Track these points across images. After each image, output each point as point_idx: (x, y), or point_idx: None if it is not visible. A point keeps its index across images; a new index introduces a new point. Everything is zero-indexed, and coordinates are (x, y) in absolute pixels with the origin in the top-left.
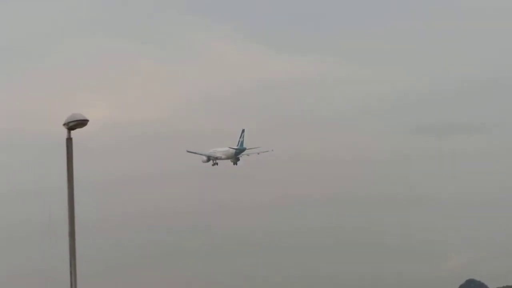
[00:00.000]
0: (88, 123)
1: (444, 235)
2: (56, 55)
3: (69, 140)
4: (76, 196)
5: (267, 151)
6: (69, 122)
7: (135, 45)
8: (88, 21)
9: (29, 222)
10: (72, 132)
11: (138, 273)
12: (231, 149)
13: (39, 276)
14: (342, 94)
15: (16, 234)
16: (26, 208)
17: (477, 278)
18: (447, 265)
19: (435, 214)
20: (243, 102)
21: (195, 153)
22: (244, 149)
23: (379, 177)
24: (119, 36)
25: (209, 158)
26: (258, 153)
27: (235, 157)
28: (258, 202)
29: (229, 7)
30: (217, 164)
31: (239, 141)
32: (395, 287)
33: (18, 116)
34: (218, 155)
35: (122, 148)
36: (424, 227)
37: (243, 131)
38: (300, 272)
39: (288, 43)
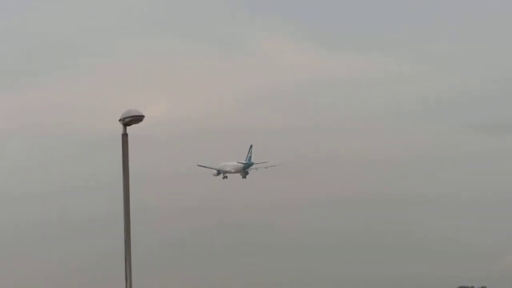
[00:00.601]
0: (144, 119)
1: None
2: (114, 51)
3: (124, 136)
4: (131, 191)
5: (274, 165)
6: (125, 118)
7: (192, 43)
8: (147, 19)
9: (85, 217)
10: (128, 127)
11: (193, 268)
12: (239, 163)
13: (95, 270)
14: (400, 92)
15: (71, 228)
16: (81, 203)
17: None
18: None
19: (507, 215)
20: (299, 101)
21: (205, 167)
22: (252, 164)
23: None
24: (177, 33)
25: (219, 172)
26: (266, 167)
27: (243, 171)
28: (316, 200)
29: (287, 5)
30: (226, 177)
31: (247, 156)
32: None
33: (75, 111)
34: (227, 169)
35: (177, 144)
36: (496, 229)
37: (251, 146)
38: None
39: (344, 41)
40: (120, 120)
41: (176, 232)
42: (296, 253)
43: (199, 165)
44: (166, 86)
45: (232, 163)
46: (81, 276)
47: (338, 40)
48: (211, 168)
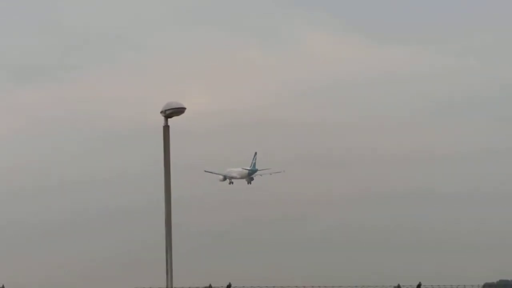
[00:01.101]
0: (185, 111)
1: None
2: (155, 44)
3: (166, 128)
4: (172, 182)
5: (279, 172)
6: (166, 110)
7: (234, 35)
8: (189, 11)
9: (127, 208)
10: (169, 119)
11: (231, 260)
12: (244, 170)
13: (136, 262)
14: (445, 86)
15: (113, 219)
16: (123, 193)
17: None
18: None
19: None
20: (341, 94)
21: (212, 172)
22: (256, 170)
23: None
24: (219, 26)
25: (225, 178)
26: (270, 174)
27: (248, 177)
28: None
29: None
30: (232, 183)
31: (252, 163)
32: None
33: (116, 103)
34: (233, 175)
35: (217, 136)
36: None
37: (255, 153)
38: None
39: (389, 34)
40: (161, 112)
41: (217, 223)
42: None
43: (205, 171)
44: (207, 79)
45: (237, 169)
46: (120, 267)
47: (382, 34)
48: (218, 174)
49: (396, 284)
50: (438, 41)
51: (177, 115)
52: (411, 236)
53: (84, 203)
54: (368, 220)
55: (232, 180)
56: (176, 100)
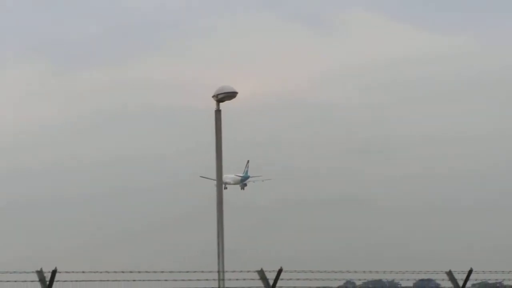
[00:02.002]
0: (237, 95)
1: None
2: (206, 29)
3: (218, 112)
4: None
5: (269, 179)
6: (218, 94)
7: (282, 19)
8: None
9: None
10: (221, 104)
11: (284, 244)
12: (237, 176)
13: (187, 247)
14: (492, 66)
15: (168, 207)
16: (177, 177)
17: None
18: None
19: None
20: (381, 77)
21: (207, 178)
22: (248, 177)
23: None
24: (267, 10)
25: None
26: (262, 181)
27: (241, 183)
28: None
29: None
30: (226, 188)
31: (244, 170)
32: None
33: (168, 89)
34: (227, 180)
35: (269, 119)
36: None
37: (248, 161)
38: None
39: (435, 18)
40: (213, 96)
41: (271, 206)
42: None
43: (201, 176)
44: (258, 63)
45: (231, 176)
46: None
47: (429, 17)
48: (213, 179)
49: (447, 270)
50: (482, 25)
51: (229, 99)
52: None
53: (144, 180)
54: (426, 205)
55: (226, 186)
56: (228, 84)
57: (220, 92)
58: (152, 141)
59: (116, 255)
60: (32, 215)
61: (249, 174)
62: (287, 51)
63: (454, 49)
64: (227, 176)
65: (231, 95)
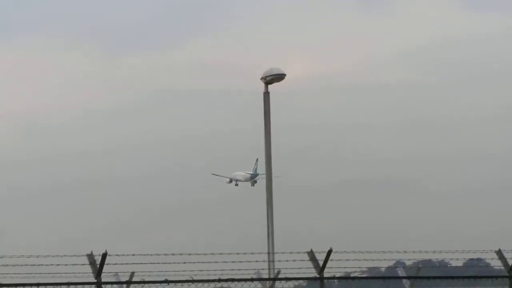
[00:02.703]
0: (286, 77)
1: None
2: (254, 10)
3: (266, 94)
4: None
5: (279, 176)
6: (266, 76)
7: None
8: None
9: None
10: (270, 86)
11: (333, 224)
12: (247, 174)
13: (237, 231)
14: None
15: (214, 187)
16: (226, 159)
17: None
18: None
19: None
20: (437, 58)
21: (218, 175)
22: (257, 174)
23: None
24: None
25: (231, 180)
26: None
27: (251, 180)
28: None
29: None
30: (237, 185)
31: (254, 168)
32: None
33: (216, 71)
34: (238, 178)
35: (317, 101)
36: None
37: (257, 160)
38: None
39: None
40: (261, 78)
41: (321, 185)
42: None
43: (213, 174)
44: (306, 44)
45: (241, 173)
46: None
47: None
48: (224, 177)
49: (497, 249)
50: None
51: (277, 81)
52: None
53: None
54: (477, 185)
55: (238, 182)
56: (277, 66)
57: (268, 74)
58: (201, 123)
59: (166, 236)
60: (81, 197)
61: (258, 171)
62: (339, 32)
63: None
64: (238, 174)
65: (279, 77)
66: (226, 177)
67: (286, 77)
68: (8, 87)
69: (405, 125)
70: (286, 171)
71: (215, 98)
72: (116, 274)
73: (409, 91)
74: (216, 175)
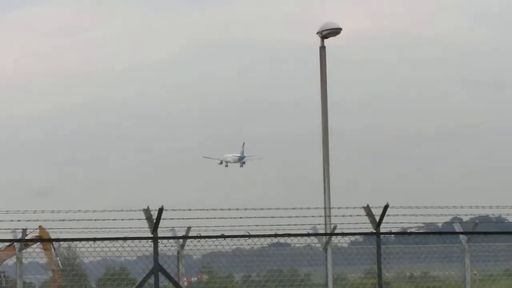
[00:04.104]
0: (341, 31)
1: None
2: None
3: (322, 49)
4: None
5: (264, 157)
6: (322, 31)
7: None
8: None
9: (281, 133)
10: (326, 40)
11: (390, 179)
12: (235, 156)
13: (294, 184)
14: None
15: (269, 144)
16: (280, 118)
17: None
18: None
19: None
20: (492, 3)
21: (210, 158)
22: (244, 157)
23: None
24: None
25: (221, 162)
26: (258, 159)
27: (240, 161)
28: None
29: None
30: (227, 166)
31: (241, 151)
32: None
33: (270, 24)
34: (228, 159)
35: (373, 57)
36: None
37: (243, 143)
38: None
39: None
40: (318, 33)
41: (375, 141)
42: None
43: (203, 157)
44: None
45: (230, 155)
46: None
47: None
48: (215, 159)
49: None
50: None
51: (333, 36)
52: None
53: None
54: None
55: (227, 164)
56: (332, 21)
57: (324, 29)
58: (255, 76)
59: (220, 192)
60: (137, 153)
61: (244, 154)
62: None
63: None
64: (228, 156)
65: (335, 31)
66: (217, 159)
67: (342, 32)
68: (65, 42)
69: (465, 76)
70: (341, 125)
71: (268, 52)
72: (172, 229)
73: (466, 41)
74: (207, 157)
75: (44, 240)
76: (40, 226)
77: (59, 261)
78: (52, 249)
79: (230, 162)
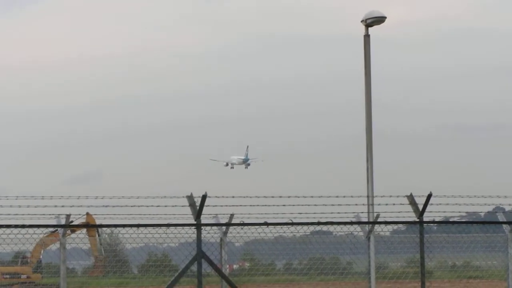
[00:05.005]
0: (386, 20)
1: None
2: None
3: (366, 37)
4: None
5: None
6: (367, 19)
7: None
8: None
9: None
10: (370, 29)
11: (437, 167)
12: (240, 158)
13: (337, 172)
14: None
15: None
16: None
17: None
18: None
19: None
20: None
21: (216, 160)
22: (248, 159)
23: None
24: None
25: (227, 164)
26: (262, 161)
27: (245, 164)
28: None
29: None
30: (233, 167)
31: (245, 153)
32: None
33: (314, 13)
34: (233, 161)
35: (419, 45)
36: None
37: (247, 146)
38: None
39: None
40: (362, 21)
41: (421, 129)
42: None
43: (211, 159)
44: None
45: (236, 157)
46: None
47: None
48: (221, 161)
49: None
50: None
51: (378, 24)
52: None
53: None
54: None
55: (233, 166)
56: (377, 9)
57: (369, 17)
58: (301, 66)
59: (265, 179)
60: (183, 138)
61: (248, 157)
62: None
63: None
64: (233, 158)
65: (379, 19)
66: (223, 161)
67: (386, 20)
68: (108, 29)
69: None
70: (384, 116)
71: (313, 42)
72: (215, 215)
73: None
74: (214, 160)
75: (90, 226)
76: (87, 213)
77: (102, 248)
78: (97, 236)
79: (235, 164)
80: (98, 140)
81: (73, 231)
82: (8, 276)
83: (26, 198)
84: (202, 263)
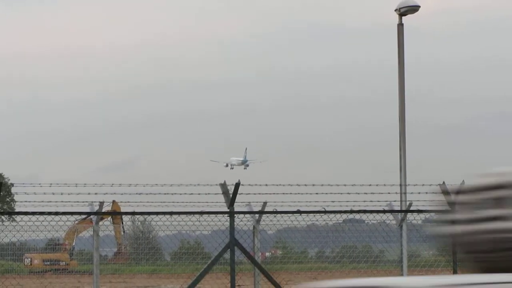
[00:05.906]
0: (420, 9)
1: None
2: None
3: (400, 26)
4: (406, 82)
5: (265, 161)
6: (400, 8)
7: None
8: None
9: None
10: (404, 18)
11: (468, 155)
12: (238, 160)
13: (370, 161)
14: None
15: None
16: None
17: None
18: None
19: None
20: None
21: (216, 161)
22: (247, 161)
23: None
24: None
25: (227, 165)
26: (260, 162)
27: (244, 165)
28: None
29: None
30: (233, 168)
31: (244, 155)
32: None
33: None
34: (233, 163)
35: (453, 35)
36: None
37: (246, 148)
38: None
39: None
40: (396, 10)
41: (454, 118)
42: None
43: (211, 160)
44: None
45: (235, 158)
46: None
47: None
48: (221, 162)
49: None
50: None
51: (411, 13)
52: None
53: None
54: None
55: (233, 166)
56: None
57: (403, 6)
58: (335, 56)
59: (297, 168)
60: (213, 126)
61: (247, 158)
62: None
63: None
64: (233, 159)
65: (413, 8)
66: (223, 162)
67: (420, 10)
68: (142, 16)
69: None
70: (417, 107)
71: (348, 31)
72: (248, 204)
73: None
74: (214, 161)
75: (116, 213)
76: (113, 201)
77: (123, 235)
78: (121, 224)
79: (235, 165)
80: (132, 128)
81: (102, 218)
82: (48, 263)
83: (60, 185)
84: (235, 251)
